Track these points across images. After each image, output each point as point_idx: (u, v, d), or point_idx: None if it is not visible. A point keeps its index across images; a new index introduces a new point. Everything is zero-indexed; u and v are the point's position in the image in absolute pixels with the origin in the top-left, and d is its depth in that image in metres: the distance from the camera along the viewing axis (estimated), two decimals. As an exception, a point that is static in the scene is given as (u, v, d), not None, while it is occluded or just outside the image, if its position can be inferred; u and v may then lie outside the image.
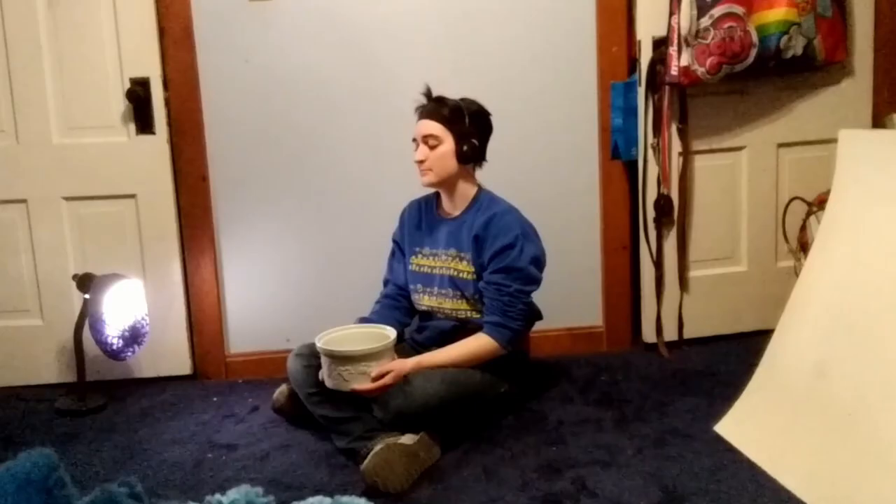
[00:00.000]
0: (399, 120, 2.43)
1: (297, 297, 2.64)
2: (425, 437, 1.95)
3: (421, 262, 2.22)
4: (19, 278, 2.57)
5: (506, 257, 2.06)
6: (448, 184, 2.15)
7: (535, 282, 2.11)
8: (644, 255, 2.63)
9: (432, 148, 2.08)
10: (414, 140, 2.13)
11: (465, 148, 2.09)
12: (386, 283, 2.33)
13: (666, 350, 2.63)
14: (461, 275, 2.14)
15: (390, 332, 2.01)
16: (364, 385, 1.89)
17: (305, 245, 2.63)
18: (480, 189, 2.19)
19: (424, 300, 2.21)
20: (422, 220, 2.25)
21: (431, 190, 2.22)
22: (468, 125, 2.09)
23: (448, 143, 2.08)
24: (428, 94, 2.14)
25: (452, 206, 2.19)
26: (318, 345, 1.93)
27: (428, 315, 2.24)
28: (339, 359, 1.90)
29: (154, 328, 2.52)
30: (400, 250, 2.30)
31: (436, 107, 2.10)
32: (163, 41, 2.48)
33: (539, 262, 2.12)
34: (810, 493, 1.69)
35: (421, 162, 2.09)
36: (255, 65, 2.52)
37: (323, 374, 1.95)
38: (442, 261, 2.18)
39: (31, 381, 2.59)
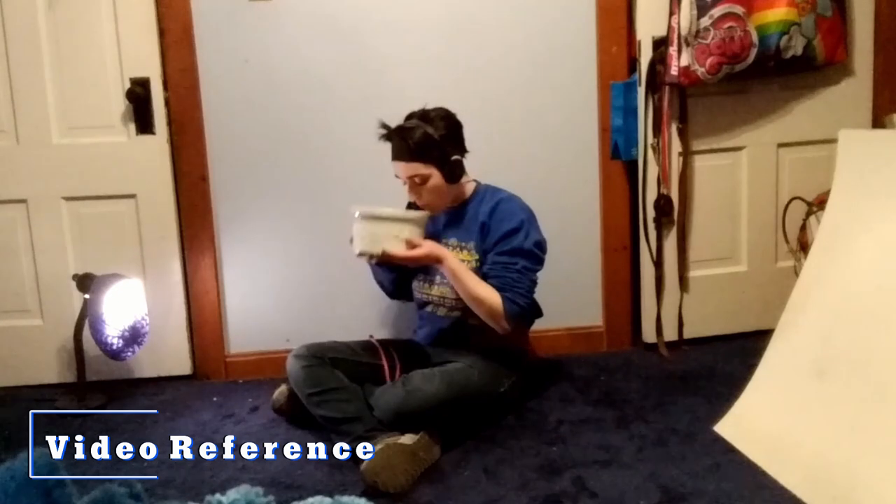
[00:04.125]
0: (399, 120, 2.43)
1: (297, 298, 2.64)
2: (425, 437, 1.95)
3: None
4: (19, 278, 2.57)
5: (512, 240, 2.07)
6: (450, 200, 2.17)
7: (540, 262, 2.13)
8: (644, 255, 2.63)
9: (421, 184, 2.07)
10: (397, 176, 2.11)
11: (450, 169, 2.07)
12: None
13: (666, 350, 2.63)
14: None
15: (425, 212, 2.05)
16: (397, 249, 1.91)
17: (305, 245, 2.63)
18: (478, 182, 2.20)
19: (426, 289, 2.21)
20: None
21: None
22: (443, 147, 2.05)
23: (435, 176, 2.07)
24: (387, 130, 2.07)
25: (452, 202, 2.19)
26: (358, 210, 1.95)
27: (428, 314, 2.24)
28: (376, 219, 1.93)
29: (154, 328, 2.52)
30: None
31: (402, 145, 2.04)
32: (163, 41, 2.48)
33: (542, 246, 2.14)
34: (810, 493, 1.69)
35: (417, 198, 2.10)
36: (255, 65, 2.52)
37: (354, 238, 1.96)
38: None
39: (31, 381, 2.59)
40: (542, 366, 2.53)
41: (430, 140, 2.03)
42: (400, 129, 2.06)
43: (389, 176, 2.56)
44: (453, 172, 2.08)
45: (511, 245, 2.07)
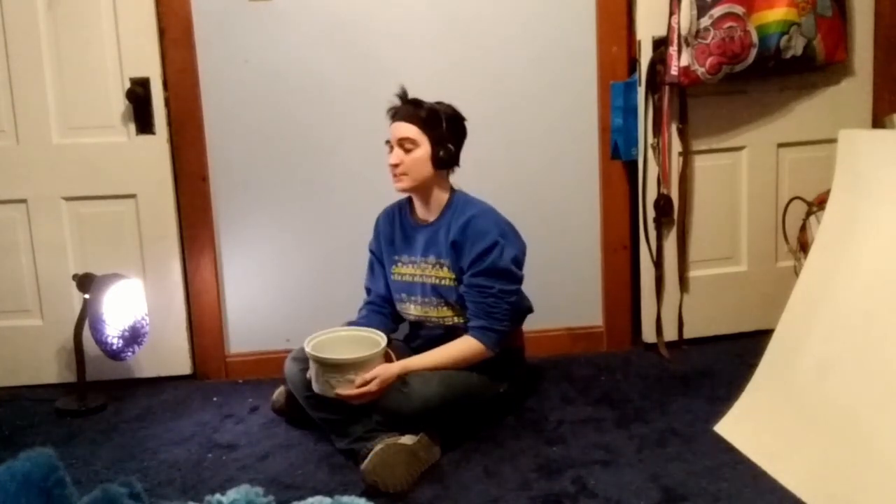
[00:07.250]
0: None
1: (297, 298, 2.64)
2: (425, 437, 1.95)
3: (402, 270, 2.18)
4: (19, 278, 2.57)
5: (486, 260, 2.02)
6: (422, 189, 2.11)
7: (518, 281, 2.09)
8: (644, 255, 2.63)
9: (407, 152, 2.04)
10: (387, 143, 2.09)
11: (441, 153, 2.05)
12: (368, 291, 2.29)
13: (666, 350, 2.63)
14: (443, 282, 2.10)
15: (381, 339, 1.99)
16: (348, 391, 1.88)
17: (305, 245, 2.63)
18: (454, 192, 2.15)
19: (410, 309, 2.19)
20: (395, 228, 2.21)
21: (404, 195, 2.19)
22: (444, 129, 2.05)
23: (424, 148, 2.04)
24: (403, 95, 2.10)
25: (427, 212, 2.15)
26: (307, 349, 1.92)
27: (417, 324, 2.22)
28: (327, 365, 1.89)
29: (154, 328, 2.52)
30: (378, 261, 2.26)
31: (412, 109, 2.06)
32: (163, 41, 2.48)
33: (519, 261, 2.09)
34: (810, 493, 1.69)
35: (395, 166, 2.05)
36: (255, 65, 2.52)
37: (311, 376, 1.94)
38: (422, 269, 2.13)
39: (31, 381, 2.58)
40: (542, 366, 2.53)
41: (435, 115, 2.06)
42: (414, 98, 2.10)
43: (388, 175, 2.56)
44: (440, 157, 2.05)
45: (485, 265, 2.01)
